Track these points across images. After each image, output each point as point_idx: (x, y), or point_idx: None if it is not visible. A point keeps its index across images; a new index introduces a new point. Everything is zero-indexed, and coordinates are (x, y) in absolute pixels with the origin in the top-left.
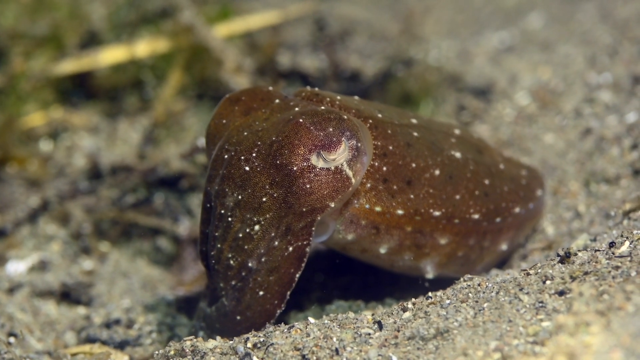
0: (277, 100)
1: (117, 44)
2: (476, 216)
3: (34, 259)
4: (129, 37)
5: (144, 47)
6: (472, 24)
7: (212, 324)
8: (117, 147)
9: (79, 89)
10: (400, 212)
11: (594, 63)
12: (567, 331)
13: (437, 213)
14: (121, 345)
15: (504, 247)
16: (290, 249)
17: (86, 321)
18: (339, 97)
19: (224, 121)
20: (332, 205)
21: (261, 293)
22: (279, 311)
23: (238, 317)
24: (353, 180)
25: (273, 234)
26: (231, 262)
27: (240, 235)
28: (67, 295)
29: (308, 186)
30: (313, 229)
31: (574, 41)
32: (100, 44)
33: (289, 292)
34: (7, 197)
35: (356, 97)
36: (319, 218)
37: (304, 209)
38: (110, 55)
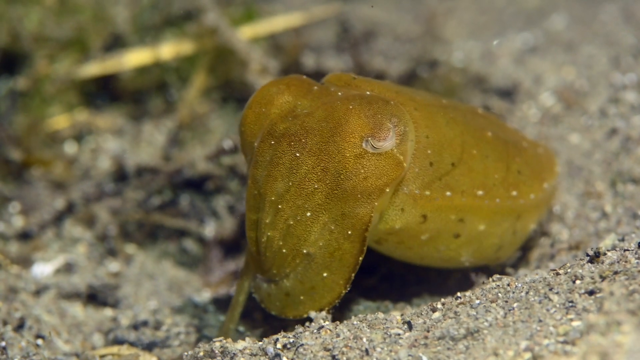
0: (315, 87)
1: (141, 46)
2: (514, 193)
3: (60, 261)
4: (153, 39)
5: (169, 49)
6: (494, 25)
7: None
8: (141, 150)
9: (103, 92)
10: (448, 193)
11: (618, 64)
12: (599, 330)
13: (480, 192)
14: (149, 347)
15: (532, 226)
16: (349, 232)
17: (113, 323)
18: (376, 82)
19: (263, 109)
20: (387, 190)
21: (325, 274)
22: (344, 292)
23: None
24: (405, 164)
25: (327, 219)
26: (283, 250)
27: (292, 222)
28: (94, 297)
29: (362, 171)
30: (372, 214)
31: (597, 42)
32: (124, 47)
33: (353, 274)
34: (32, 200)
35: (387, 81)
36: (376, 204)
37: (359, 195)
38: (135, 58)
